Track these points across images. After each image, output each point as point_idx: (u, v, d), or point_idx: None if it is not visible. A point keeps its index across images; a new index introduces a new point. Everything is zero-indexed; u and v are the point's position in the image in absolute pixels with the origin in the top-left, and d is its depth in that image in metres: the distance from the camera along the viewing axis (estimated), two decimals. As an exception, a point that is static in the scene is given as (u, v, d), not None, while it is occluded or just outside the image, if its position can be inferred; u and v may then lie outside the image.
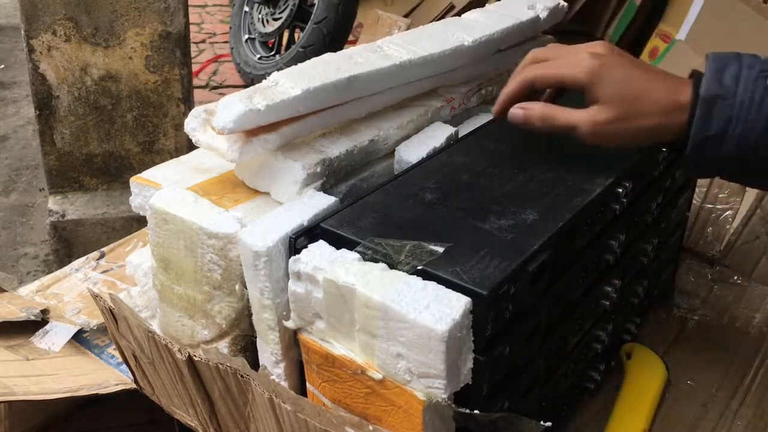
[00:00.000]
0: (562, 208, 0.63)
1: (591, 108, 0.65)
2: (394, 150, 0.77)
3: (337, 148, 0.70)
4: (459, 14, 0.92)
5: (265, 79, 0.70)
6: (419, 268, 0.55)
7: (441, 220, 0.62)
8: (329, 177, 0.69)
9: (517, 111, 0.68)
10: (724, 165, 0.62)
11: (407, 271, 0.55)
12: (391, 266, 0.56)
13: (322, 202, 0.65)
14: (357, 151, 0.72)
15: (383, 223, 0.61)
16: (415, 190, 0.66)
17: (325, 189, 0.69)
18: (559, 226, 0.61)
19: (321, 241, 0.60)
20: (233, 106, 0.63)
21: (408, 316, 0.52)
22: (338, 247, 0.58)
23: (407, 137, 0.77)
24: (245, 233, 0.61)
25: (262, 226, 0.62)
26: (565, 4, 0.93)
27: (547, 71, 0.68)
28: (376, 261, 0.56)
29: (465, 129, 0.80)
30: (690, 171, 0.65)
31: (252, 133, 0.66)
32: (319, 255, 0.58)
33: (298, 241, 0.61)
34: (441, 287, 0.53)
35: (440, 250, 0.57)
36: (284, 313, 0.62)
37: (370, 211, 0.63)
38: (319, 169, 0.68)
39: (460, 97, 0.84)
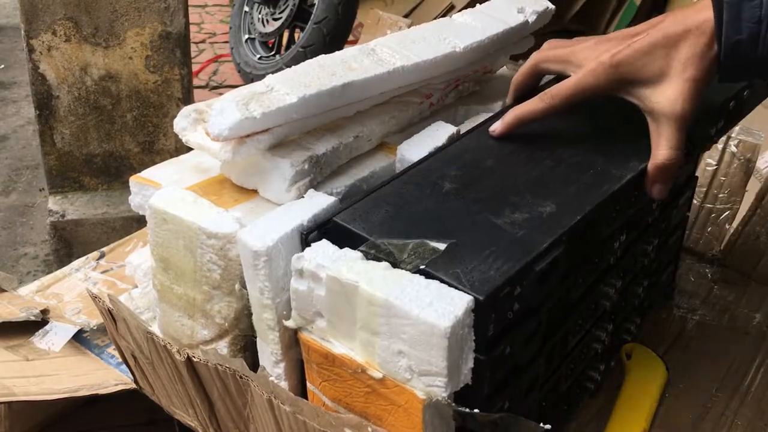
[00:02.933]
0: (583, 199, 0.62)
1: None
2: (381, 145, 0.77)
3: (323, 145, 0.71)
4: (458, 14, 0.92)
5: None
6: (421, 267, 0.55)
7: (455, 213, 0.61)
8: (316, 174, 0.70)
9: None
10: (758, 66, 0.61)
11: (410, 270, 0.55)
12: (394, 265, 0.56)
13: (322, 202, 0.65)
14: (342, 147, 0.72)
15: (396, 218, 0.60)
16: (435, 178, 0.65)
17: (313, 186, 0.69)
18: (574, 221, 0.59)
19: (324, 240, 0.60)
20: (228, 113, 0.64)
21: (411, 313, 0.52)
22: (351, 242, 0.58)
23: (389, 133, 0.78)
24: (245, 233, 0.61)
25: (262, 226, 0.62)
26: (553, 7, 0.93)
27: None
28: (379, 260, 0.57)
29: (466, 129, 0.80)
30: (723, 78, 0.64)
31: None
32: (322, 253, 0.58)
33: (310, 236, 0.61)
34: (444, 285, 0.54)
35: (442, 247, 0.56)
36: (284, 312, 0.62)
37: (384, 204, 0.62)
38: (306, 166, 0.68)
39: (438, 94, 0.84)
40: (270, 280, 0.61)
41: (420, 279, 0.54)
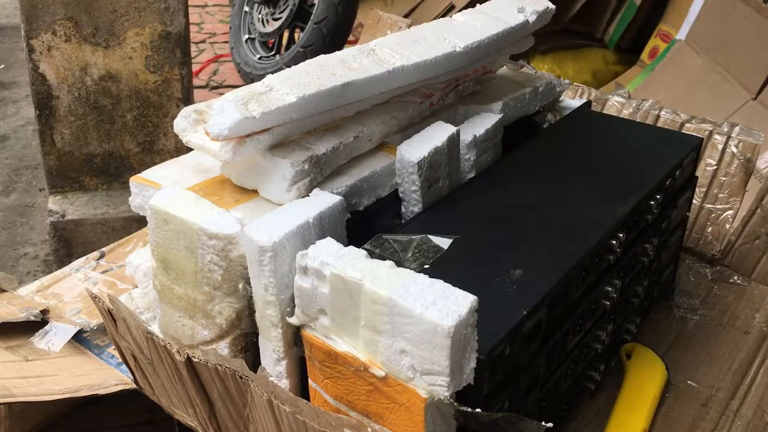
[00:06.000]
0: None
1: None
2: (381, 145, 0.77)
3: (323, 145, 0.71)
4: (458, 14, 0.92)
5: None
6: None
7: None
8: (316, 174, 0.70)
9: None
10: None
11: (414, 269, 0.55)
12: (399, 263, 0.56)
13: (328, 200, 0.65)
14: (342, 147, 0.72)
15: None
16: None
17: (313, 186, 0.69)
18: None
19: (329, 238, 0.60)
20: (228, 113, 0.63)
21: (414, 312, 0.52)
22: None
23: (389, 133, 0.78)
24: (251, 229, 0.61)
25: (268, 222, 0.62)
26: (553, 7, 0.93)
27: None
28: (383, 258, 0.57)
29: (466, 129, 0.80)
30: None
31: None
32: (326, 250, 0.58)
33: None
34: (448, 285, 0.54)
35: (445, 245, 0.57)
36: (288, 309, 0.62)
37: None
38: (306, 166, 0.68)
39: (438, 94, 0.84)
40: (275, 276, 0.61)
41: (424, 278, 0.54)
